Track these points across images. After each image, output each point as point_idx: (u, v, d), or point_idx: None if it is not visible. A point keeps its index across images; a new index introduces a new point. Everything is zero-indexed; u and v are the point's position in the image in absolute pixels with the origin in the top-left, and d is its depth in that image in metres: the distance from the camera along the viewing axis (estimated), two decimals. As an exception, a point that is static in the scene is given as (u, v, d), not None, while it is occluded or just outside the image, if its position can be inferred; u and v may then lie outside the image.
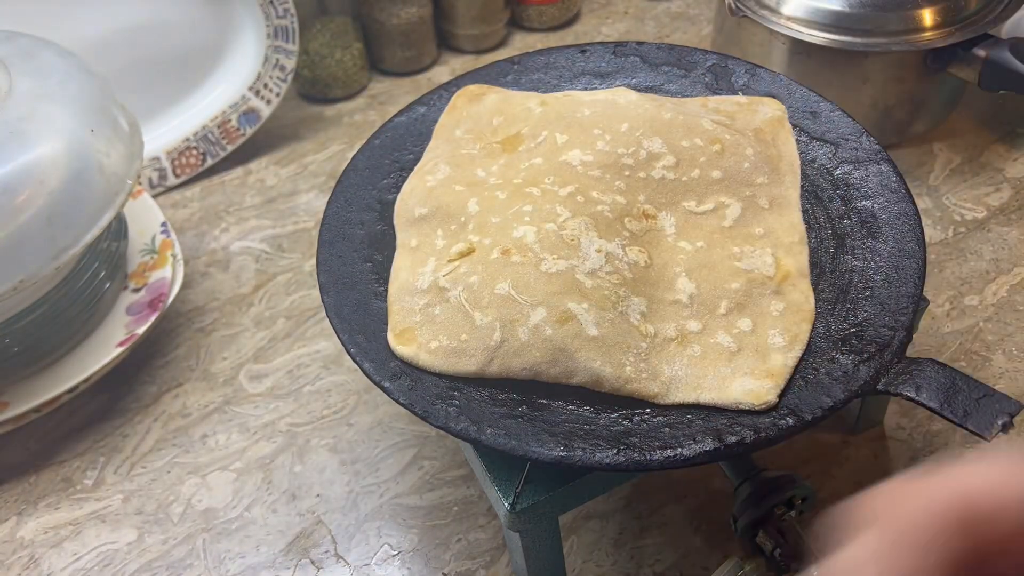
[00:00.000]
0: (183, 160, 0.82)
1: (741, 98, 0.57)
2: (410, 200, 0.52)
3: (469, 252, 0.48)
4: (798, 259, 0.48)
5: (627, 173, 0.51)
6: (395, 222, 0.52)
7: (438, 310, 0.46)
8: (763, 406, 0.41)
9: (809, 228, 0.50)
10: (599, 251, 0.47)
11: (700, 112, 0.54)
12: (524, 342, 0.43)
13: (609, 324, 0.44)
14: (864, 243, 0.48)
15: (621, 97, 0.55)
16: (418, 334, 0.46)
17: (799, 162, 0.52)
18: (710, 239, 0.49)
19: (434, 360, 0.45)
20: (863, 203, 0.50)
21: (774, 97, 0.57)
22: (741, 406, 0.42)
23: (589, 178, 0.50)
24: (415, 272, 0.49)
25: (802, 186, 0.52)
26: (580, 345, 0.43)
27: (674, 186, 0.51)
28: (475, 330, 0.44)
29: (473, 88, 0.59)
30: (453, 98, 0.59)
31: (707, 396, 0.43)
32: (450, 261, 0.48)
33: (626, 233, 0.49)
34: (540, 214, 0.48)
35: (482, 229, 0.49)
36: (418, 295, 0.47)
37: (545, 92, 0.59)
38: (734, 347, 0.44)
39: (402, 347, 0.46)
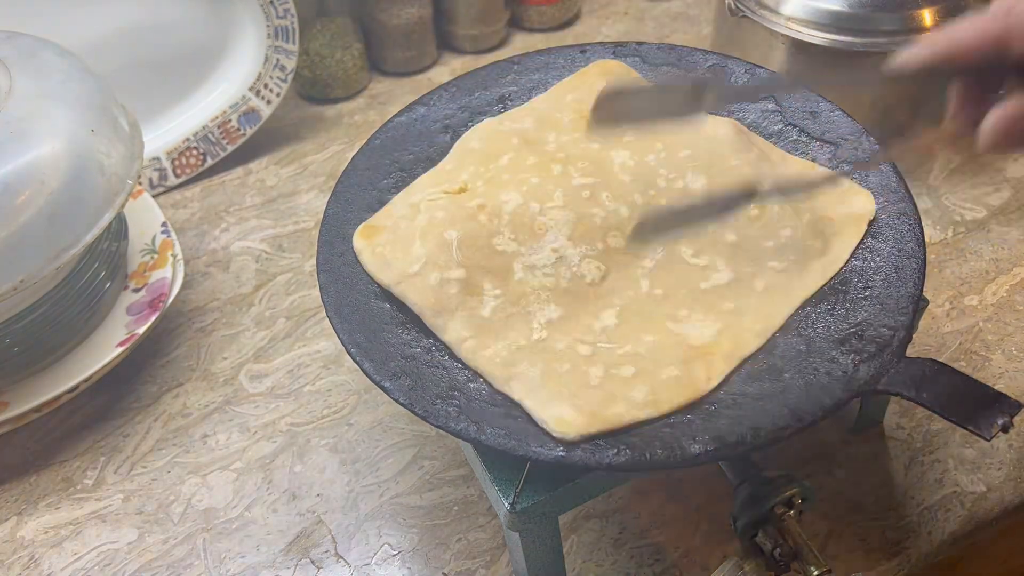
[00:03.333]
0: (183, 160, 0.82)
1: (845, 182, 0.51)
2: (477, 132, 0.55)
3: (461, 191, 0.51)
4: (739, 346, 0.44)
5: (652, 192, 0.50)
6: (455, 144, 0.56)
7: (403, 225, 0.50)
8: (557, 435, 0.41)
9: (809, 228, 0.50)
10: (555, 251, 0.48)
11: (776, 170, 0.51)
12: (429, 284, 0.46)
13: (504, 315, 0.46)
14: (864, 243, 0.48)
15: (720, 128, 0.52)
16: (378, 236, 0.50)
17: (841, 266, 0.48)
18: (672, 292, 0.47)
19: (369, 261, 0.49)
20: (863, 203, 0.50)
21: (775, 98, 0.57)
22: (543, 424, 0.41)
23: (615, 179, 0.51)
24: (424, 188, 0.52)
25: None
26: (466, 315, 0.46)
27: None
28: (408, 254, 0.48)
29: (613, 65, 0.59)
30: (592, 65, 0.60)
31: (529, 402, 0.42)
32: (444, 192, 0.51)
33: (599, 245, 0.48)
34: (538, 190, 0.49)
35: (490, 181, 0.51)
36: (405, 206, 0.51)
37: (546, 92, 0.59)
38: (595, 381, 0.43)
39: (358, 239, 0.50)
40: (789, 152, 0.54)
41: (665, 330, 0.45)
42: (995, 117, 0.33)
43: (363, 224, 0.51)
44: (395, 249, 0.49)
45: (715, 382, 0.43)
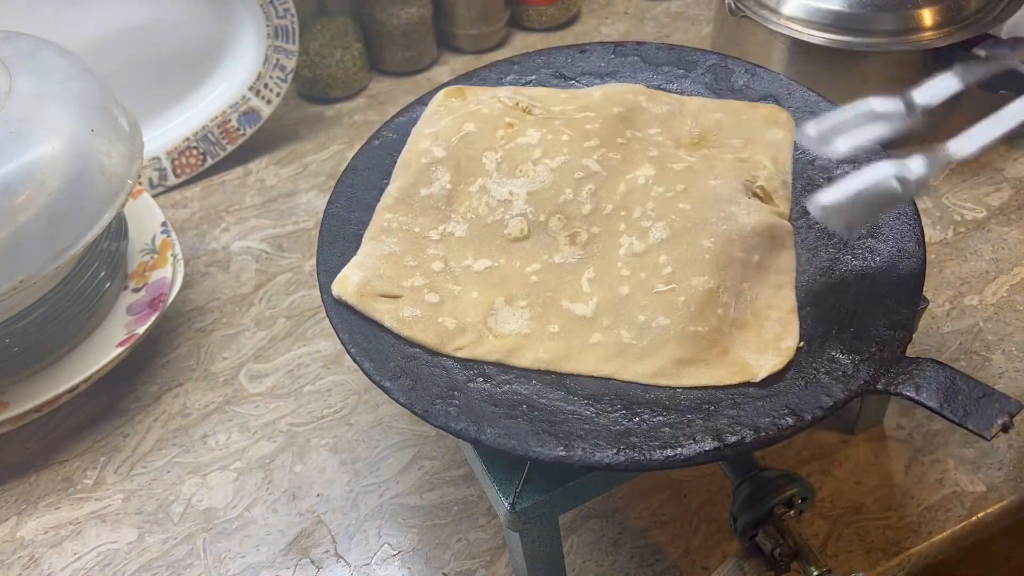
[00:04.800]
0: (183, 160, 0.82)
1: (789, 339, 0.46)
2: (619, 89, 0.57)
3: (524, 111, 0.55)
4: (507, 351, 0.46)
5: (622, 213, 0.50)
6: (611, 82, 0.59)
7: (473, 104, 0.56)
8: (332, 286, 0.48)
9: (809, 228, 0.50)
10: (510, 194, 0.51)
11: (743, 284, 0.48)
12: (420, 147, 0.54)
13: (430, 204, 0.52)
14: (864, 243, 0.48)
15: (747, 217, 0.49)
16: (456, 99, 0.57)
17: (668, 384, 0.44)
18: (540, 289, 0.48)
19: (430, 110, 0.57)
20: (863, 203, 0.50)
21: (775, 98, 0.57)
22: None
23: (613, 184, 0.51)
24: (522, 91, 0.58)
25: (798, 190, 0.52)
26: (411, 183, 0.52)
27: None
28: (440, 120, 0.55)
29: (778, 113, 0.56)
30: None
31: (357, 258, 0.49)
32: (515, 104, 0.56)
33: (541, 217, 0.51)
34: (554, 146, 0.52)
35: (547, 119, 0.54)
36: (491, 95, 0.57)
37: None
38: (406, 284, 0.48)
39: (447, 94, 0.57)
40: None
41: (487, 299, 0.48)
42: None
43: (457, 86, 0.58)
44: (448, 115, 0.55)
45: (452, 351, 0.46)
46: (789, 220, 0.50)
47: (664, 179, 0.51)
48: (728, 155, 0.53)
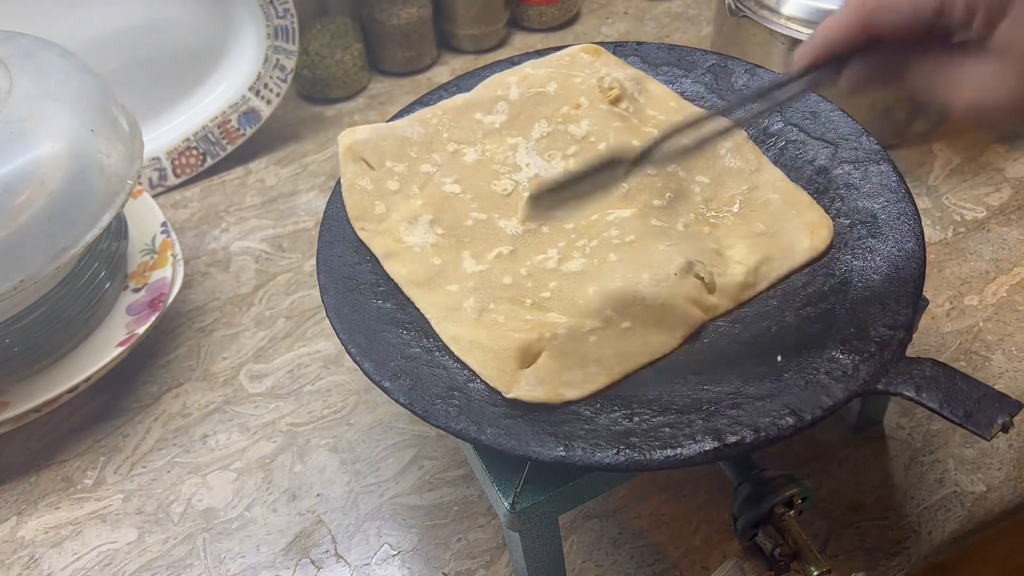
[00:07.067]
0: (183, 160, 0.82)
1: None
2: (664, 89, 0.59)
3: (614, 99, 0.56)
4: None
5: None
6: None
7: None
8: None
9: (809, 228, 0.50)
10: (527, 166, 0.54)
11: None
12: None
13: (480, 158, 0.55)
14: (864, 243, 0.48)
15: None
16: None
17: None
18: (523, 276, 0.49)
19: None
20: (863, 203, 0.50)
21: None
22: None
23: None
24: None
25: (803, 186, 0.52)
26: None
27: None
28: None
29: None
30: None
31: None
32: (608, 88, 0.57)
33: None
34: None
35: (606, 120, 0.56)
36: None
37: None
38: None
39: None
40: (786, 149, 0.54)
41: (421, 212, 0.51)
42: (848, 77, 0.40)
43: (598, 46, 0.60)
44: (557, 66, 0.58)
45: (357, 228, 0.51)
46: (720, 318, 0.47)
47: (631, 226, 0.49)
48: (728, 234, 0.50)
